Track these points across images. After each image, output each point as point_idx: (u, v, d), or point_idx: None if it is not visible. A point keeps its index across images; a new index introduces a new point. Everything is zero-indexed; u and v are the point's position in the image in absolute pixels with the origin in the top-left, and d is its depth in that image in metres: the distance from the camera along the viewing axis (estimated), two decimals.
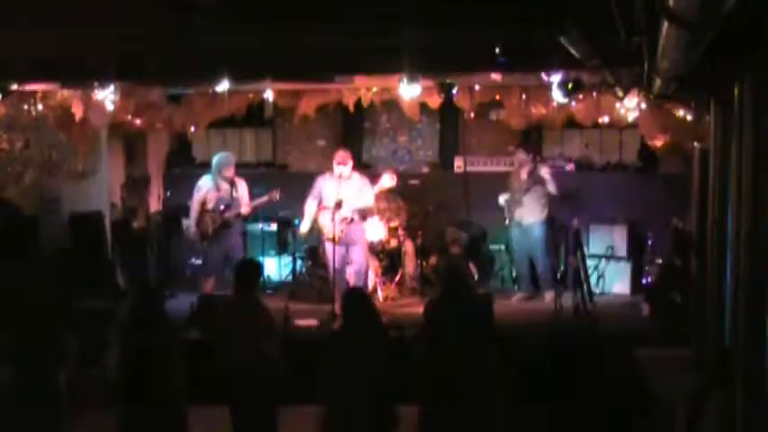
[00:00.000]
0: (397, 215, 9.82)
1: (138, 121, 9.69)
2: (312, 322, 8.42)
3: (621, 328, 8.12)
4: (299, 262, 10.19)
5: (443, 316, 5.68)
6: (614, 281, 9.77)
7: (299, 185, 9.21)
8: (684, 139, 8.47)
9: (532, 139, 10.84)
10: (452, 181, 11.09)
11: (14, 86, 7.81)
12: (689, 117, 7.70)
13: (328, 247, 8.62)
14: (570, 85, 7.24)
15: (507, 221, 9.47)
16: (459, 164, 11.21)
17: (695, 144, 8.13)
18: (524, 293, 9.59)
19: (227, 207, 8.98)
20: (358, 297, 5.72)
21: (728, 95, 4.74)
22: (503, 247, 10.23)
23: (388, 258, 9.71)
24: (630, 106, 8.19)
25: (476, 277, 9.60)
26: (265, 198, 9.15)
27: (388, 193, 9.77)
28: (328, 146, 11.39)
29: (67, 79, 7.76)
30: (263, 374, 5.58)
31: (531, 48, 6.31)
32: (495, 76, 7.53)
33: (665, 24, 3.06)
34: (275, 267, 10.51)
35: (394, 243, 9.70)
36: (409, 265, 9.79)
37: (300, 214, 8.98)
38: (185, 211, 9.52)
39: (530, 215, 9.29)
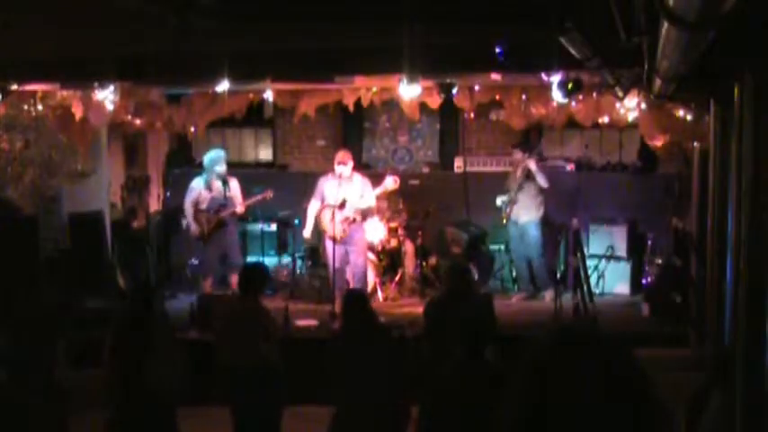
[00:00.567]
0: (397, 215, 9.81)
1: (138, 121, 9.69)
2: (312, 322, 8.42)
3: (621, 328, 8.11)
4: (299, 262, 10.19)
5: (443, 316, 5.67)
6: (614, 281, 9.76)
7: (298, 185, 9.22)
8: (684, 139, 8.47)
9: (532, 139, 10.83)
10: (452, 181, 11.09)
11: (14, 86, 7.81)
12: (689, 117, 7.70)
13: (328, 247, 8.63)
14: (570, 86, 7.24)
15: (504, 221, 9.48)
16: (459, 164, 11.21)
17: (695, 144, 8.13)
18: (524, 293, 9.59)
19: (222, 206, 9.00)
20: (355, 299, 5.71)
21: (728, 95, 4.73)
22: (503, 247, 10.23)
23: (388, 258, 9.71)
24: (630, 106, 8.19)
25: (476, 277, 9.59)
26: (259, 197, 9.17)
27: (388, 194, 9.78)
28: (328, 146, 11.40)
29: (67, 79, 7.76)
30: (264, 376, 5.58)
31: (531, 48, 6.31)
32: (495, 76, 7.53)
33: (665, 24, 3.06)
34: (275, 267, 10.49)
35: (394, 243, 9.69)
36: (409, 265, 9.78)
37: (300, 214, 8.98)
38: (185, 212, 9.53)
39: (525, 214, 9.30)
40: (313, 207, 8.68)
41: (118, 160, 10.88)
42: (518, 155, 9.46)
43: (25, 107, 8.50)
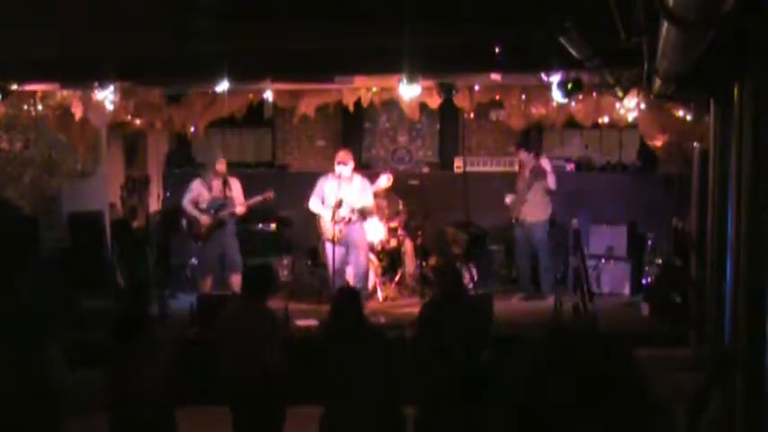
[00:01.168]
0: (396, 215, 9.81)
1: (138, 121, 9.69)
2: (312, 322, 8.41)
3: (621, 328, 8.11)
4: (298, 262, 10.20)
5: (438, 318, 5.67)
6: (614, 281, 9.76)
7: (298, 185, 9.21)
8: (684, 139, 8.47)
9: (533, 138, 10.83)
10: (452, 181, 11.09)
11: (14, 86, 7.81)
12: (689, 117, 7.70)
13: (328, 247, 8.63)
14: (570, 85, 7.24)
15: (514, 220, 9.47)
16: (458, 164, 11.21)
17: (695, 144, 8.13)
18: (524, 293, 9.59)
19: (222, 206, 9.00)
20: (347, 295, 5.67)
21: (728, 95, 4.73)
22: (503, 247, 10.22)
23: (388, 258, 9.71)
24: (630, 106, 8.19)
25: (475, 277, 9.59)
26: (260, 198, 9.18)
27: (388, 193, 9.78)
28: (328, 146, 11.39)
29: (67, 79, 7.76)
30: (268, 382, 5.52)
31: (531, 48, 6.31)
32: (495, 76, 7.53)
33: (665, 24, 3.06)
34: (275, 267, 10.49)
35: (394, 243, 9.69)
36: (409, 265, 9.78)
37: (301, 214, 8.99)
38: (185, 213, 9.53)
39: (533, 214, 9.29)
40: (315, 203, 8.70)
41: (118, 160, 10.88)
42: (523, 155, 9.45)
43: (25, 107, 8.50)
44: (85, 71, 7.26)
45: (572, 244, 9.11)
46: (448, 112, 10.60)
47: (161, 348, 5.48)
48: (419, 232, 9.81)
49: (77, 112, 8.42)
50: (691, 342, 7.44)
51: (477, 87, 8.93)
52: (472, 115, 9.99)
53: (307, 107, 9.50)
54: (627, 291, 9.72)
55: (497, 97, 9.25)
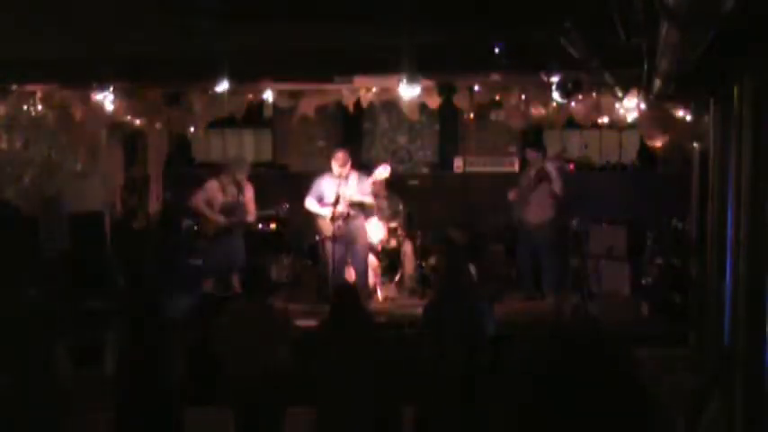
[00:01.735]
0: (396, 215, 9.81)
1: (137, 122, 9.69)
2: (312, 322, 8.40)
3: (621, 328, 8.11)
4: (298, 262, 10.20)
5: (441, 317, 5.67)
6: (614, 281, 9.76)
7: (298, 185, 9.21)
8: (684, 139, 8.47)
9: (532, 139, 10.84)
10: (452, 181, 11.09)
11: (14, 86, 7.82)
12: (688, 117, 7.70)
13: (328, 246, 8.63)
14: (570, 86, 7.24)
15: (517, 221, 9.45)
16: (458, 164, 11.21)
17: (695, 144, 8.13)
18: (524, 293, 9.58)
19: (234, 211, 8.98)
20: (347, 293, 5.66)
21: (728, 95, 4.74)
22: (503, 247, 10.22)
23: (388, 258, 9.71)
24: (630, 106, 8.18)
25: (475, 277, 9.58)
26: (272, 211, 9.18)
27: (387, 193, 9.77)
28: (328, 146, 11.39)
29: (67, 79, 7.77)
30: (271, 381, 5.52)
31: (531, 48, 6.32)
32: (495, 76, 7.53)
33: (665, 24, 3.06)
34: (275, 267, 10.48)
35: (394, 243, 9.69)
36: (409, 265, 9.78)
37: (300, 214, 8.98)
38: (185, 211, 9.51)
39: (536, 215, 9.28)
40: (311, 202, 8.69)
41: (118, 160, 10.87)
42: (531, 154, 9.44)
43: (25, 107, 8.50)
44: (85, 71, 7.26)
45: (572, 244, 9.10)
46: (448, 112, 10.60)
47: (171, 348, 5.48)
48: (419, 232, 9.80)
49: (77, 112, 8.42)
50: (691, 342, 7.44)
51: (476, 87, 8.93)
52: (472, 115, 9.98)
53: (307, 107, 9.50)
54: (627, 291, 9.71)
55: (497, 97, 9.25)
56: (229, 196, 9.02)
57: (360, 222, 8.77)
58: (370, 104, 9.41)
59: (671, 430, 5.08)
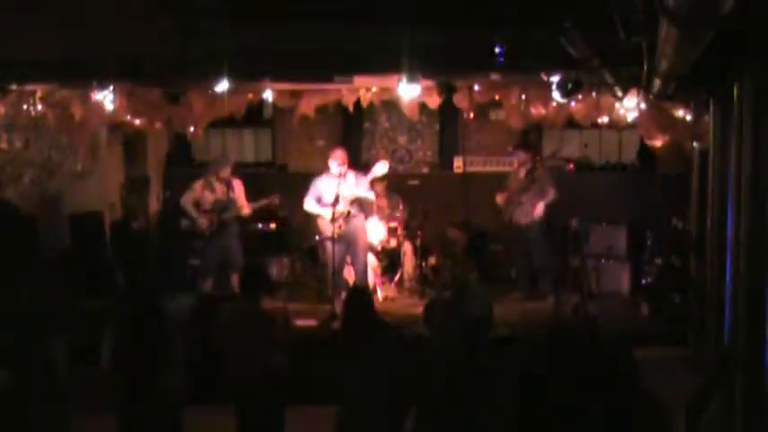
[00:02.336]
0: (396, 215, 9.82)
1: (137, 121, 9.69)
2: (311, 322, 8.42)
3: (621, 328, 8.12)
4: (298, 262, 10.20)
5: (438, 318, 5.66)
6: (614, 281, 9.76)
7: (298, 185, 9.21)
8: (684, 139, 8.48)
9: (532, 139, 10.84)
10: (452, 181, 11.09)
11: (14, 86, 7.81)
12: (688, 117, 7.71)
13: (328, 246, 8.63)
14: (570, 86, 7.24)
15: (508, 221, 9.47)
16: (458, 164, 11.21)
17: (694, 144, 8.13)
18: (524, 293, 9.58)
19: (226, 208, 9.01)
20: (359, 295, 5.68)
21: (728, 95, 4.74)
22: (502, 247, 10.23)
23: (388, 258, 9.72)
24: (630, 106, 8.19)
25: (476, 277, 9.59)
26: (265, 201, 9.19)
27: (387, 193, 9.78)
28: (328, 146, 11.38)
29: (67, 79, 7.77)
30: (271, 382, 5.52)
31: (531, 48, 6.32)
32: (495, 76, 7.53)
33: (665, 24, 3.06)
34: (275, 267, 10.49)
35: (394, 243, 9.70)
36: (409, 265, 9.79)
37: (300, 214, 8.98)
38: (184, 212, 9.53)
39: (527, 215, 9.29)
40: (310, 203, 8.70)
41: (118, 160, 10.88)
42: (521, 155, 9.45)
43: (25, 107, 8.50)
44: (85, 71, 7.26)
45: (572, 244, 9.10)
46: (448, 112, 10.60)
47: (171, 348, 5.48)
48: (419, 232, 9.81)
49: (77, 112, 8.43)
50: (691, 342, 7.45)
51: (476, 87, 8.93)
52: (472, 115, 9.98)
53: (307, 107, 9.50)
54: (627, 291, 9.72)
55: (497, 97, 9.25)
56: (219, 194, 9.05)
57: (360, 222, 8.77)
58: (370, 104, 9.42)
59: (671, 430, 5.08)
